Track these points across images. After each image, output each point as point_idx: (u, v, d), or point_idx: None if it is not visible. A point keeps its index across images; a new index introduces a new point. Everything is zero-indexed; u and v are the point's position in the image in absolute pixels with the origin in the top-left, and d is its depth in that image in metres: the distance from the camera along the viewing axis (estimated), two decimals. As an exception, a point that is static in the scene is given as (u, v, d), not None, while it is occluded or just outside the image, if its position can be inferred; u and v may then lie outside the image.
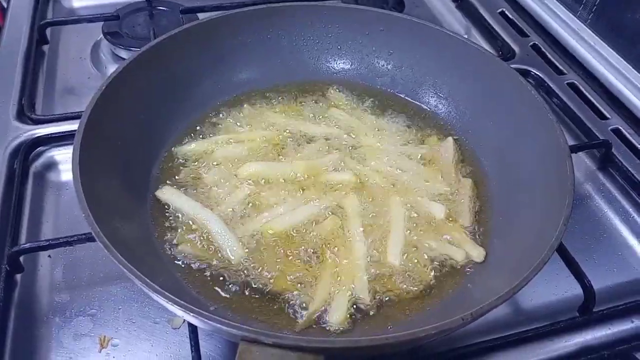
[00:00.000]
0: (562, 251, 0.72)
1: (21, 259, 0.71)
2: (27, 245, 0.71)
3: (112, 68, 1.06)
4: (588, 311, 0.70)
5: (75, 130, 0.84)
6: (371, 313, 0.63)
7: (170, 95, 0.81)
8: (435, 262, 0.68)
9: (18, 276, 0.71)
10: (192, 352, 0.61)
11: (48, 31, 1.10)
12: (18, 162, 0.83)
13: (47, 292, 0.71)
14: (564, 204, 0.57)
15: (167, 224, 0.71)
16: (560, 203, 0.58)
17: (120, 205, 0.66)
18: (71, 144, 0.85)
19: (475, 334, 0.68)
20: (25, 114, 0.91)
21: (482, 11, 1.23)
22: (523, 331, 0.68)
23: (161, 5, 1.16)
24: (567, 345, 0.69)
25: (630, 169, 0.90)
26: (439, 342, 0.67)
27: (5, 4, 1.19)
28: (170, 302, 0.46)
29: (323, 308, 0.62)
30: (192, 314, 0.45)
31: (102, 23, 1.09)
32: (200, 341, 0.63)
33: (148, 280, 0.47)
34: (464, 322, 0.47)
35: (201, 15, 1.11)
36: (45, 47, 1.09)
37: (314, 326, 0.61)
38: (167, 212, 0.72)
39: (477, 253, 0.68)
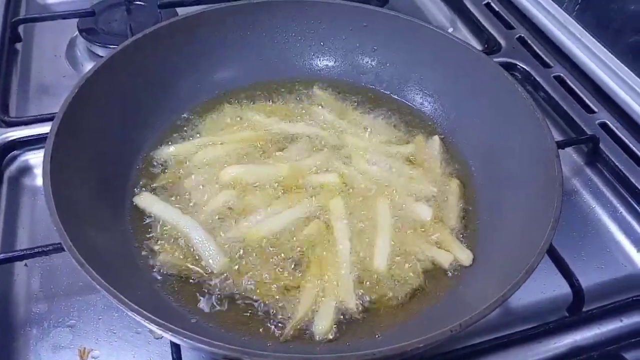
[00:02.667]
0: (550, 251, 0.71)
1: (-5, 270, 0.69)
2: (2, 256, 0.68)
3: (88, 66, 1.03)
4: (577, 311, 0.70)
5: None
6: (358, 320, 0.62)
7: (148, 96, 0.79)
8: (423, 266, 0.68)
9: (-7, 287, 0.69)
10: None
11: (21, 28, 1.07)
12: (-9, 167, 0.80)
13: (24, 302, 0.69)
14: (553, 206, 0.56)
15: (146, 232, 0.69)
16: (549, 204, 0.58)
17: (96, 214, 0.64)
18: (46, 147, 0.85)
19: (465, 335, 0.67)
20: (-2, 116, 0.88)
21: (467, 3, 1.22)
22: (512, 333, 0.67)
23: (138, 0, 1.13)
24: (556, 346, 0.68)
25: (617, 164, 0.89)
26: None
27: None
28: (146, 320, 0.44)
29: (308, 317, 0.61)
30: (170, 332, 0.43)
31: (77, 19, 1.07)
32: (182, 350, 0.61)
33: (122, 297, 0.46)
34: (453, 334, 0.46)
35: (180, 10, 1.09)
36: (19, 45, 1.06)
37: (299, 336, 0.60)
38: (146, 220, 0.70)
39: (465, 256, 0.67)
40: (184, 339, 0.43)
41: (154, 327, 0.44)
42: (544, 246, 0.53)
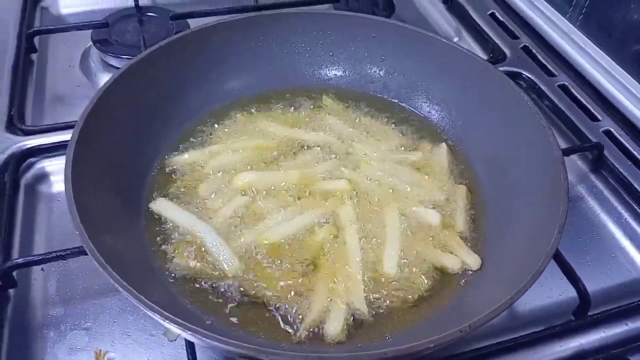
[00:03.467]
0: (557, 256, 0.72)
1: (14, 273, 0.70)
2: (20, 260, 0.70)
3: (101, 76, 1.05)
4: (583, 315, 0.71)
5: (65, 141, 0.85)
6: (368, 323, 0.63)
7: (162, 105, 0.81)
8: (432, 271, 0.69)
9: (11, 291, 0.71)
10: (188, 361, 0.61)
11: (36, 39, 1.09)
12: (8, 174, 0.82)
13: (41, 306, 0.71)
14: (558, 212, 0.58)
15: (161, 237, 0.70)
16: (555, 210, 0.59)
17: (114, 219, 0.66)
18: (62, 154, 0.86)
19: (470, 339, 0.68)
20: (15, 124, 0.90)
21: (472, 13, 1.23)
22: (518, 337, 0.68)
23: (151, 12, 1.15)
24: (562, 349, 0.69)
25: (622, 170, 0.90)
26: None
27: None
28: (166, 320, 0.46)
29: (320, 319, 0.62)
30: (189, 331, 0.45)
31: (91, 31, 1.08)
32: (197, 352, 0.62)
33: (143, 298, 0.47)
34: (462, 335, 0.47)
35: (191, 22, 1.10)
36: (34, 56, 1.08)
37: (311, 338, 0.61)
38: (162, 225, 0.71)
39: (473, 261, 0.68)
40: (203, 338, 0.45)
41: (173, 327, 0.46)
42: (550, 251, 0.54)
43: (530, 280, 0.51)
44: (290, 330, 0.62)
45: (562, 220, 0.56)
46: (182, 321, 0.46)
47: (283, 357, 0.44)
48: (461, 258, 0.68)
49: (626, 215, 0.87)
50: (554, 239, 0.55)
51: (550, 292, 0.76)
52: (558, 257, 0.72)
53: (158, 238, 0.70)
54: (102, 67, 1.07)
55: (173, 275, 0.66)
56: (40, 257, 0.70)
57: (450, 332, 0.46)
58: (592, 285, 0.74)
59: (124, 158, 0.73)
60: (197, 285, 0.66)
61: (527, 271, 0.53)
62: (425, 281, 0.67)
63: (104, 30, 1.08)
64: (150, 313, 0.48)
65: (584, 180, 0.92)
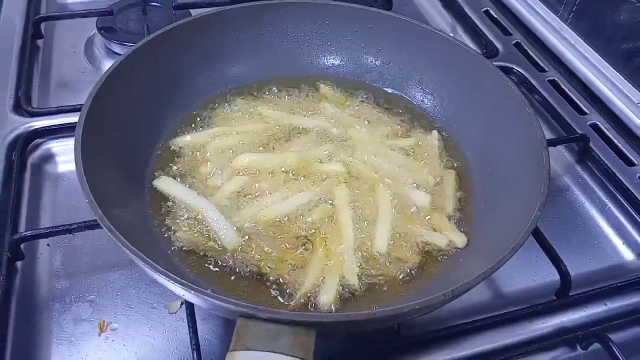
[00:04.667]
0: (540, 238, 0.76)
1: (22, 246, 0.73)
2: (29, 233, 0.73)
3: (106, 62, 1.08)
4: (565, 295, 0.74)
5: (71, 123, 0.89)
6: (359, 295, 0.66)
7: (165, 89, 0.83)
8: (420, 248, 0.71)
9: (19, 264, 0.73)
10: (189, 333, 0.64)
11: (42, 26, 1.12)
12: (16, 154, 0.85)
13: (47, 279, 0.73)
14: (540, 192, 0.61)
15: (164, 212, 0.73)
16: (537, 191, 0.62)
17: (120, 194, 0.68)
18: (67, 136, 0.90)
19: (459, 316, 0.72)
20: (22, 106, 0.93)
21: (467, 10, 1.27)
22: (504, 313, 0.72)
23: (154, 1, 1.17)
24: (545, 326, 0.73)
25: (606, 162, 0.94)
26: (426, 323, 0.71)
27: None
28: (172, 281, 0.49)
29: (314, 290, 0.65)
30: (193, 292, 0.48)
31: (96, 18, 1.11)
32: (197, 323, 0.65)
33: (151, 261, 0.50)
34: (445, 299, 0.50)
35: (194, 11, 1.12)
36: (40, 42, 1.11)
37: (306, 306, 0.64)
38: (165, 201, 0.74)
39: (459, 239, 0.71)
40: (206, 297, 0.48)
41: (178, 288, 0.49)
42: (530, 227, 0.57)
43: (510, 252, 0.54)
44: (285, 299, 0.65)
45: (542, 199, 0.60)
46: (186, 282, 0.49)
47: (281, 316, 0.47)
48: (448, 237, 0.71)
49: (610, 204, 0.91)
50: (533, 216, 0.58)
51: (535, 275, 0.79)
52: (541, 240, 0.76)
53: (161, 213, 0.72)
54: (106, 53, 1.09)
55: (175, 247, 0.69)
56: (48, 230, 0.73)
57: (435, 296, 0.50)
58: (576, 270, 0.78)
59: (129, 138, 0.75)
60: (198, 258, 0.68)
61: (509, 246, 0.56)
62: (414, 258, 0.70)
63: (108, 18, 1.11)
64: (156, 276, 0.50)
65: (570, 170, 0.96)
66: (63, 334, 0.68)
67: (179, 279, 0.48)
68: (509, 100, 0.76)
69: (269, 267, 0.67)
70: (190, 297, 0.51)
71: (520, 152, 0.72)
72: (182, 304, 0.71)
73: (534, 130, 0.69)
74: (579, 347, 0.72)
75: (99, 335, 0.68)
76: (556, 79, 1.11)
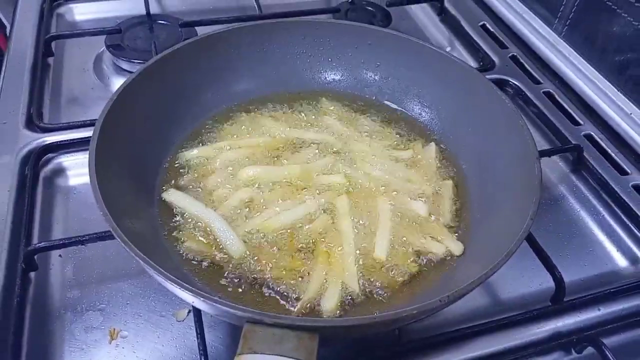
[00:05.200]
0: (535, 246, 0.78)
1: (35, 257, 0.75)
2: (42, 244, 0.75)
3: (114, 79, 1.11)
4: (559, 300, 0.76)
5: (81, 138, 0.92)
6: (360, 302, 0.68)
7: (173, 105, 0.86)
8: (419, 256, 0.74)
9: (32, 274, 0.76)
10: (197, 338, 0.66)
11: (53, 44, 1.15)
12: (29, 168, 0.87)
13: (59, 289, 0.75)
14: (532, 201, 0.63)
15: (173, 223, 0.75)
16: (530, 200, 0.64)
17: (130, 206, 0.70)
18: (78, 150, 0.93)
19: (458, 321, 0.74)
20: (34, 122, 0.96)
21: (464, 24, 1.30)
22: (500, 319, 0.74)
23: (161, 19, 1.21)
24: (540, 331, 0.75)
25: (600, 171, 0.96)
26: (425, 328, 0.73)
27: (7, 23, 1.23)
28: (182, 289, 0.51)
29: (316, 297, 0.67)
30: (201, 298, 0.51)
31: (105, 36, 1.14)
32: (205, 331, 0.68)
33: (162, 270, 0.53)
34: (442, 304, 0.53)
35: (199, 29, 1.16)
36: (51, 60, 1.13)
37: (309, 313, 0.66)
38: (174, 213, 0.76)
39: (456, 247, 0.73)
40: (214, 304, 0.50)
41: (187, 294, 0.51)
42: (522, 234, 0.60)
43: (504, 258, 0.56)
44: (289, 306, 0.67)
45: (534, 208, 0.62)
46: (195, 289, 0.51)
47: (285, 321, 0.50)
48: (445, 245, 0.73)
49: (604, 212, 0.93)
50: (526, 224, 0.60)
51: (531, 282, 0.81)
52: (536, 248, 0.78)
53: (170, 224, 0.74)
54: (115, 70, 1.12)
55: (184, 257, 0.71)
56: (61, 242, 0.75)
57: (432, 300, 0.52)
58: (571, 276, 0.80)
59: (139, 152, 0.78)
60: (206, 267, 0.70)
61: (503, 253, 0.59)
62: (413, 266, 0.72)
63: (117, 36, 1.14)
64: (167, 283, 0.53)
65: (565, 180, 0.98)
66: (75, 341, 0.70)
67: (189, 286, 0.51)
68: (502, 113, 0.79)
69: (273, 275, 0.69)
70: (199, 303, 0.53)
71: (514, 163, 0.74)
72: (189, 312, 0.73)
73: (526, 142, 0.72)
74: (573, 351, 0.74)
75: (110, 343, 0.70)
76: (551, 90, 1.13)
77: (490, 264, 0.58)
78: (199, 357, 0.66)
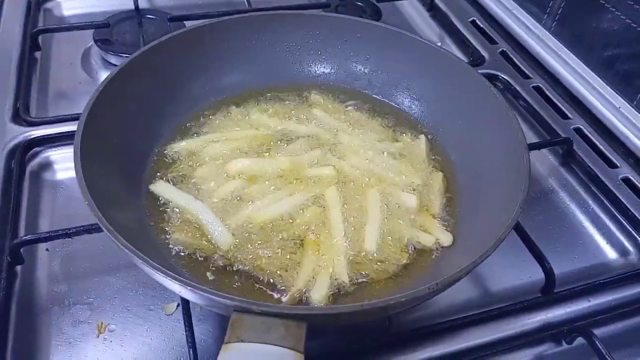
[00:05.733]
0: (525, 238, 0.78)
1: (22, 251, 0.75)
2: (28, 237, 0.74)
3: (102, 73, 1.10)
4: (549, 292, 0.76)
5: (68, 132, 0.91)
6: (349, 292, 0.68)
7: (161, 97, 0.85)
8: (408, 247, 0.73)
9: (18, 268, 0.75)
10: (186, 331, 0.66)
11: (40, 38, 1.14)
12: (15, 162, 0.87)
13: (46, 283, 0.75)
14: (521, 190, 0.63)
15: (161, 215, 0.74)
16: (518, 189, 0.64)
17: (118, 198, 0.70)
18: (65, 144, 0.92)
19: (449, 313, 0.74)
20: (21, 116, 0.95)
21: (454, 20, 1.30)
22: (490, 310, 0.74)
23: (150, 14, 1.20)
24: (530, 322, 0.75)
25: (590, 164, 0.97)
26: (416, 319, 0.73)
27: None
28: (169, 278, 0.51)
29: (306, 288, 0.67)
30: (189, 287, 0.50)
31: (92, 30, 1.13)
32: (193, 325, 0.67)
33: (148, 259, 0.52)
34: (430, 292, 0.52)
35: (188, 24, 1.15)
36: (38, 54, 1.13)
37: (298, 303, 0.66)
38: (161, 205, 0.75)
39: (446, 238, 0.73)
40: (202, 293, 0.50)
41: (174, 284, 0.51)
42: (511, 223, 0.60)
43: (492, 246, 0.56)
44: (278, 298, 0.66)
45: (523, 196, 0.62)
46: (183, 279, 0.51)
47: (273, 309, 0.49)
48: (435, 236, 0.73)
49: (593, 205, 0.93)
50: (514, 212, 0.60)
51: (521, 274, 0.81)
52: (526, 240, 0.78)
53: (158, 216, 0.74)
54: (103, 65, 1.12)
55: (172, 249, 0.70)
56: (47, 235, 0.75)
57: (421, 288, 0.52)
58: (561, 268, 0.80)
59: (126, 144, 0.77)
60: (194, 258, 0.70)
61: (492, 242, 0.59)
62: (403, 256, 0.72)
63: (105, 30, 1.13)
64: (154, 273, 0.52)
65: (554, 173, 0.99)
66: (62, 336, 0.69)
67: (176, 275, 0.51)
68: (491, 105, 0.79)
69: (262, 266, 0.69)
70: (186, 293, 0.53)
71: (503, 154, 0.75)
72: (178, 305, 0.73)
73: (515, 133, 0.72)
74: (563, 342, 0.74)
75: (97, 337, 0.69)
76: (540, 85, 1.14)
77: (479, 253, 0.58)
78: (187, 350, 0.66)
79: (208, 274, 0.69)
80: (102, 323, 0.71)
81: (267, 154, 0.84)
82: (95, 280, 0.76)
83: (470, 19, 1.32)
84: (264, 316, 0.50)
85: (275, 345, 0.47)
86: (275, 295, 0.67)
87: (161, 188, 0.76)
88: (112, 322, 0.71)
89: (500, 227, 0.61)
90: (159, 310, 0.73)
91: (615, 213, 0.91)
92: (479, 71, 1.01)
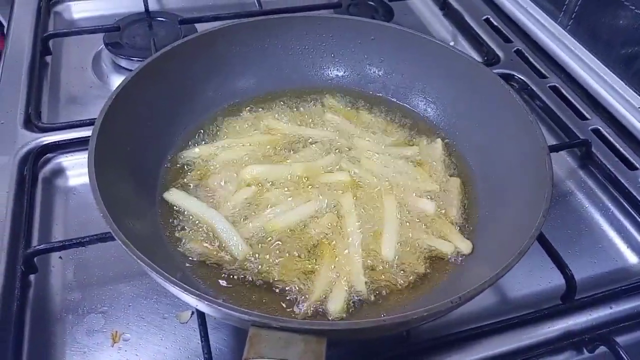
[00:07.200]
0: (544, 243, 0.77)
1: (35, 260, 0.74)
2: (42, 247, 0.74)
3: (113, 77, 1.09)
4: (570, 299, 0.75)
5: (80, 138, 0.90)
6: (367, 303, 0.67)
7: (174, 103, 0.85)
8: (426, 255, 0.72)
9: (32, 277, 0.75)
10: (201, 341, 0.65)
11: (51, 43, 1.13)
12: (27, 168, 0.86)
13: (60, 291, 0.74)
14: (543, 198, 0.62)
15: (175, 224, 0.74)
16: (540, 197, 0.63)
17: (132, 207, 0.69)
18: (77, 150, 0.92)
19: (466, 321, 0.73)
20: (32, 122, 0.95)
21: (467, 18, 1.28)
22: (509, 318, 0.73)
23: (160, 17, 1.19)
24: (550, 330, 0.73)
25: (609, 166, 0.95)
26: (433, 329, 0.71)
27: (4, 21, 1.22)
28: (185, 292, 0.50)
29: (322, 299, 0.66)
30: (206, 301, 0.49)
31: (103, 34, 1.12)
32: (209, 333, 0.67)
33: (164, 272, 0.51)
34: (453, 305, 0.51)
35: (199, 26, 1.14)
36: (49, 58, 1.12)
37: (315, 315, 0.65)
38: (175, 213, 0.75)
39: (465, 246, 0.72)
40: (218, 307, 0.49)
41: (191, 298, 0.50)
42: (534, 233, 0.58)
43: (516, 257, 0.55)
44: (295, 308, 0.65)
45: (546, 205, 0.61)
46: (199, 293, 0.50)
47: (292, 324, 0.48)
48: (454, 243, 0.72)
49: (613, 208, 0.91)
50: (538, 222, 0.59)
51: (540, 280, 0.80)
52: (546, 245, 0.77)
53: (172, 225, 0.73)
54: (114, 68, 1.11)
55: (187, 258, 0.70)
56: (61, 244, 0.74)
57: (442, 302, 0.51)
58: (580, 274, 0.78)
59: (139, 151, 0.76)
60: (209, 268, 0.69)
61: (514, 252, 0.57)
62: (421, 265, 0.71)
63: (115, 34, 1.12)
64: (170, 286, 0.52)
65: (573, 175, 0.97)
66: (77, 345, 0.69)
67: (191, 289, 0.50)
68: (510, 108, 0.77)
69: (277, 276, 0.68)
70: (202, 306, 0.52)
71: (523, 159, 0.73)
72: (192, 313, 0.72)
73: (536, 137, 0.70)
74: (585, 351, 0.72)
75: (112, 346, 0.69)
76: (557, 84, 1.12)
77: (500, 263, 0.57)
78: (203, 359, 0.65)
79: (223, 283, 0.68)
80: (116, 332, 0.71)
81: (282, 159, 0.83)
82: (109, 288, 0.75)
83: (484, 17, 1.30)
84: (283, 331, 0.49)
85: (295, 361, 0.46)
86: (292, 307, 0.66)
87: (175, 196, 0.76)
88: (127, 331, 0.71)
89: (523, 237, 0.60)
90: (173, 318, 0.72)
91: (636, 216, 0.89)
92: (494, 71, 0.99)
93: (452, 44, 1.24)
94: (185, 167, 0.82)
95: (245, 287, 0.68)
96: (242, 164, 0.81)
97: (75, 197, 0.88)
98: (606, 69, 1.10)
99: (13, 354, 0.66)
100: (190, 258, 0.70)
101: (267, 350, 0.47)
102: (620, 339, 0.71)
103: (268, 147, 0.84)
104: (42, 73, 1.08)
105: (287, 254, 0.70)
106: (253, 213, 0.75)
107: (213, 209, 0.74)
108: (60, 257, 0.78)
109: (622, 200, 0.91)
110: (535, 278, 0.80)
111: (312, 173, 0.80)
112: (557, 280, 0.77)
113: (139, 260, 0.53)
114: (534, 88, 1.10)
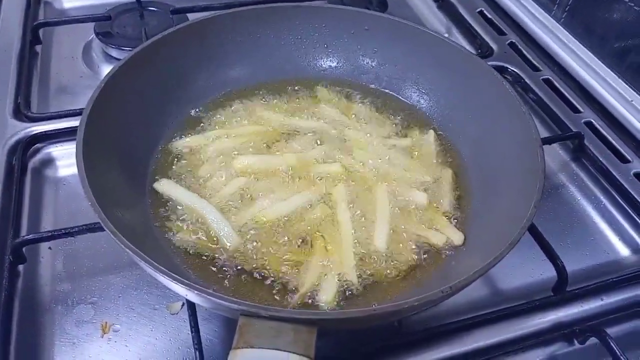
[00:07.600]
0: (536, 235, 0.77)
1: (24, 250, 0.73)
2: (30, 236, 0.73)
3: (104, 67, 1.09)
4: (561, 290, 0.75)
5: (70, 127, 0.90)
6: (358, 294, 0.66)
7: (164, 92, 0.84)
8: (418, 246, 0.72)
9: (21, 267, 0.74)
10: (192, 332, 0.65)
11: (41, 32, 1.12)
12: (16, 158, 0.85)
13: (49, 282, 0.74)
14: (535, 189, 0.62)
15: (165, 214, 0.73)
16: (532, 188, 0.62)
17: (121, 197, 0.68)
18: (67, 140, 0.91)
19: (459, 312, 0.73)
20: (22, 112, 0.94)
21: (461, 11, 1.28)
22: (501, 309, 0.73)
23: (152, 6, 1.18)
24: (542, 321, 0.73)
25: (601, 159, 0.95)
26: (425, 319, 0.71)
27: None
28: (174, 281, 0.49)
29: (313, 289, 0.65)
30: (196, 291, 0.49)
31: (93, 23, 1.11)
32: (199, 324, 0.66)
33: (153, 262, 0.51)
34: (444, 295, 0.51)
35: (191, 16, 1.13)
36: (39, 48, 1.11)
37: (306, 305, 0.64)
38: (166, 203, 0.74)
39: (457, 237, 0.72)
40: (208, 297, 0.48)
41: (180, 288, 0.49)
42: (526, 224, 0.58)
43: (507, 248, 0.55)
44: (286, 298, 0.65)
45: (538, 196, 0.60)
46: (189, 282, 0.49)
47: (282, 314, 0.48)
48: (446, 234, 0.72)
49: (605, 201, 0.92)
50: (529, 213, 0.59)
51: (532, 271, 0.80)
52: (538, 237, 0.77)
53: (162, 215, 0.72)
54: (104, 58, 1.10)
55: (177, 249, 0.69)
56: (50, 234, 0.73)
57: (433, 292, 0.50)
58: (572, 265, 0.78)
59: (129, 141, 0.76)
60: (199, 259, 0.69)
61: (505, 242, 0.57)
62: (412, 256, 0.70)
63: (106, 23, 1.11)
64: (159, 276, 0.51)
65: (565, 168, 0.97)
66: (66, 336, 0.69)
67: (181, 278, 0.49)
68: (503, 100, 0.77)
69: (269, 267, 0.68)
70: (192, 296, 0.52)
71: (516, 150, 0.73)
72: (183, 304, 0.72)
73: (529, 129, 0.70)
74: (576, 342, 0.72)
75: (102, 337, 0.69)
76: (550, 77, 1.12)
77: (492, 254, 0.56)
78: (193, 350, 0.64)
79: (214, 274, 0.67)
80: (106, 323, 0.70)
81: (273, 150, 0.82)
82: (99, 279, 0.75)
83: (478, 10, 1.30)
84: (273, 320, 0.48)
85: (286, 351, 0.46)
86: (283, 298, 0.65)
87: (165, 186, 0.75)
88: (117, 322, 0.70)
89: (513, 227, 0.59)
90: (164, 309, 0.72)
91: (628, 209, 0.89)
92: (488, 63, 0.99)
93: (446, 36, 1.23)
94: (176, 157, 0.81)
95: (235, 277, 0.67)
96: (234, 154, 0.80)
97: (65, 187, 0.87)
98: (599, 62, 1.10)
99: (1, 345, 0.65)
100: (180, 248, 0.69)
101: (256, 340, 0.47)
102: (610, 331, 0.71)
103: (260, 137, 0.84)
104: (32, 62, 1.07)
105: (279, 245, 0.70)
106: (244, 204, 0.74)
107: (204, 200, 0.73)
108: (49, 248, 0.77)
109: (614, 193, 0.91)
110: (527, 270, 0.80)
111: (304, 164, 0.79)
112: (548, 272, 0.77)
113: (127, 250, 0.52)
114: (527, 81, 1.10)
